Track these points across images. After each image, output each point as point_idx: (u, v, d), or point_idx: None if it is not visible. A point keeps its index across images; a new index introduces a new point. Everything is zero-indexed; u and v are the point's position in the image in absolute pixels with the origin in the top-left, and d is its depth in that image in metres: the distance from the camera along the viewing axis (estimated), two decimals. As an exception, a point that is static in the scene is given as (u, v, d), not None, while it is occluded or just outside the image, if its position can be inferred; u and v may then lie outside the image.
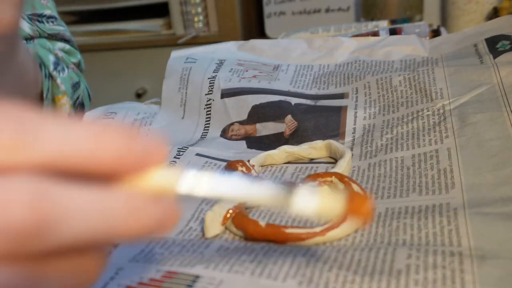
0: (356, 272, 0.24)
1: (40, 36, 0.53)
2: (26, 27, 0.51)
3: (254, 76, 0.51)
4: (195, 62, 0.53)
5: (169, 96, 0.52)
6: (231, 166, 0.38)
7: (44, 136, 0.13)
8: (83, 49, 0.62)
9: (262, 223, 0.30)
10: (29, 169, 0.13)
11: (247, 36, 1.20)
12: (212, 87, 0.50)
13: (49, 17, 0.55)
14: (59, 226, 0.13)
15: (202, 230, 0.32)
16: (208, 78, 0.50)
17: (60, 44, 0.55)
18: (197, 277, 0.25)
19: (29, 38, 0.51)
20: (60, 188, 0.13)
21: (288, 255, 0.26)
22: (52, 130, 0.14)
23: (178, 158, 0.42)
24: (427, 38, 0.58)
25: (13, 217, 0.12)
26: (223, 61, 0.53)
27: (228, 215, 0.31)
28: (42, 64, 0.49)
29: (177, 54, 0.55)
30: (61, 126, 0.14)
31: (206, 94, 0.50)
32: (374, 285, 0.23)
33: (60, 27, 0.56)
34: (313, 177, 0.35)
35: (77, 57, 0.57)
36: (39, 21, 0.53)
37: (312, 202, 0.19)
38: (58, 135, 0.14)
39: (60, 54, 0.53)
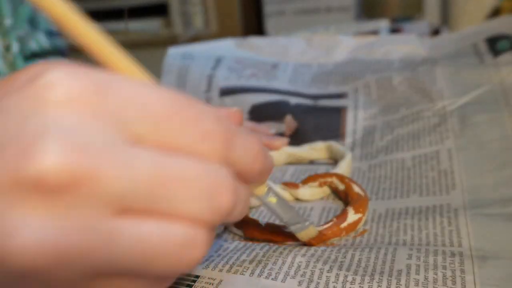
0: (356, 272, 0.24)
1: (53, 53, 0.53)
2: (44, 41, 0.51)
3: (253, 75, 0.51)
4: (192, 59, 0.53)
5: None
6: None
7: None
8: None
9: (262, 222, 0.30)
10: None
11: (247, 35, 1.20)
12: (210, 85, 0.50)
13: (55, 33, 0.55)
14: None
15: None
16: (206, 76, 0.50)
17: None
18: (196, 277, 0.25)
19: (45, 54, 0.51)
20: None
21: (288, 255, 0.26)
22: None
23: None
24: (427, 37, 0.58)
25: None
26: (221, 59, 0.53)
27: None
28: None
29: (174, 51, 0.55)
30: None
31: (204, 92, 0.50)
32: (374, 285, 0.23)
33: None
34: (314, 177, 0.34)
35: None
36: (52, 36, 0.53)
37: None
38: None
39: None
